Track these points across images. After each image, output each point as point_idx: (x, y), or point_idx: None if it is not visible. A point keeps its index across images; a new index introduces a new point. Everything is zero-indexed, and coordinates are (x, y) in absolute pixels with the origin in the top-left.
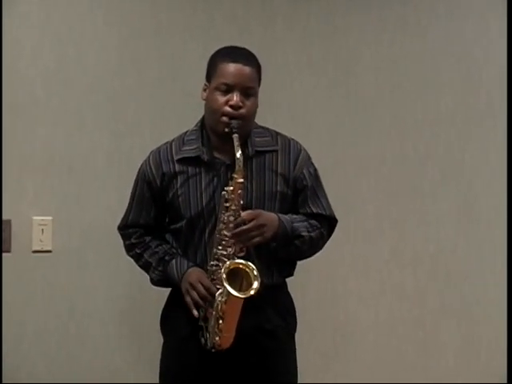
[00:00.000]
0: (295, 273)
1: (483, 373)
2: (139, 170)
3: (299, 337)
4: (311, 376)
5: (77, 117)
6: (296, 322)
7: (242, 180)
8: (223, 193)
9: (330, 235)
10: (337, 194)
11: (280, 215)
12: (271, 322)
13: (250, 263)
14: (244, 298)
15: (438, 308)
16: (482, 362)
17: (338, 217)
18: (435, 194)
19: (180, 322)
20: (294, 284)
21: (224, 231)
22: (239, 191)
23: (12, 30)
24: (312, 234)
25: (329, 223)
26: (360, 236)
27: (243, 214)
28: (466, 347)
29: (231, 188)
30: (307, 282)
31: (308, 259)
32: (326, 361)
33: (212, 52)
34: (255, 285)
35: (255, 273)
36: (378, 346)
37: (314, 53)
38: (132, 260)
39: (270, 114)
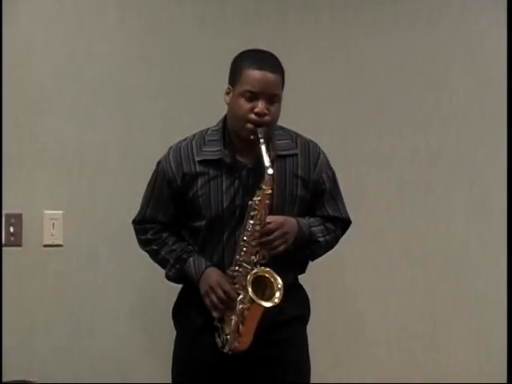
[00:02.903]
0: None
1: (494, 369)
2: (158, 165)
3: (310, 332)
4: (322, 371)
5: (88, 111)
6: (309, 313)
7: (270, 191)
8: (250, 202)
9: (342, 235)
10: (348, 190)
11: (299, 219)
12: (284, 314)
13: (275, 275)
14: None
15: (449, 304)
16: (493, 358)
17: (349, 212)
18: (446, 190)
19: (193, 315)
20: (305, 280)
21: (248, 239)
22: (267, 201)
23: (23, 25)
24: (327, 238)
25: (343, 225)
26: (371, 232)
27: (268, 220)
28: (477, 343)
29: (259, 198)
30: (318, 278)
31: None
32: (337, 356)
33: (223, 47)
34: (277, 294)
35: (279, 285)
36: (388, 342)
37: (324, 47)
38: (144, 254)
39: (281, 110)
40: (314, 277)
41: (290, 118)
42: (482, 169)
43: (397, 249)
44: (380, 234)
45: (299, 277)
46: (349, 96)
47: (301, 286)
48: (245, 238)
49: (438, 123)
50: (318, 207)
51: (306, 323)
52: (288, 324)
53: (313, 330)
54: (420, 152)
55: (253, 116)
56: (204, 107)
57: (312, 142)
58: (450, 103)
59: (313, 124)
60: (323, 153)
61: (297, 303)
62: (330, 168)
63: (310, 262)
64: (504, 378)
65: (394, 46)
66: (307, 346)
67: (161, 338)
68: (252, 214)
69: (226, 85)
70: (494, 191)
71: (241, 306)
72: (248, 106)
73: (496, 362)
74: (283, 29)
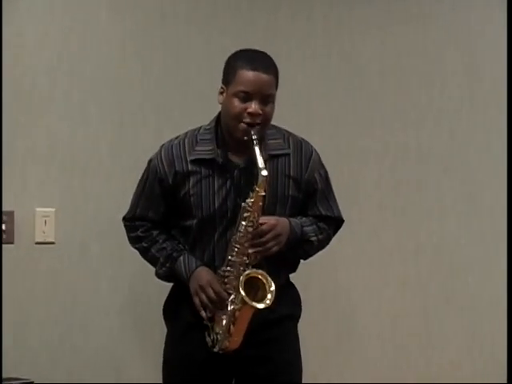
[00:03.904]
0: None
1: (486, 364)
2: (150, 163)
3: (301, 330)
4: (314, 370)
5: (80, 108)
6: (301, 310)
7: (263, 194)
8: (243, 205)
9: (335, 234)
10: (340, 186)
11: (291, 220)
12: (276, 312)
13: (268, 276)
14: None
15: (441, 300)
16: (485, 354)
17: (341, 209)
18: (438, 186)
19: (184, 313)
20: (297, 277)
21: (241, 240)
22: (260, 203)
23: (16, 22)
24: (320, 237)
25: (336, 224)
26: (363, 229)
27: (260, 221)
28: (469, 339)
29: (252, 200)
30: (310, 276)
31: None
32: (329, 353)
33: (216, 45)
34: (269, 296)
35: (272, 287)
36: (380, 338)
37: (317, 45)
38: (135, 251)
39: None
40: (306, 274)
41: (282, 115)
42: (474, 166)
43: (389, 246)
44: (372, 231)
45: (290, 275)
46: (341, 93)
47: (292, 285)
48: (237, 238)
49: (430, 120)
50: (310, 207)
51: (298, 322)
52: (279, 323)
53: (304, 328)
54: (412, 149)
55: (246, 116)
56: (197, 105)
57: (304, 140)
58: (443, 100)
59: (305, 121)
60: (315, 151)
61: (288, 302)
62: (323, 167)
63: (302, 260)
64: (496, 373)
65: (387, 43)
66: (299, 344)
67: (152, 334)
68: (245, 215)
69: (219, 82)
70: (486, 188)
71: (232, 307)
72: (242, 106)
73: (488, 358)
74: (276, 26)
